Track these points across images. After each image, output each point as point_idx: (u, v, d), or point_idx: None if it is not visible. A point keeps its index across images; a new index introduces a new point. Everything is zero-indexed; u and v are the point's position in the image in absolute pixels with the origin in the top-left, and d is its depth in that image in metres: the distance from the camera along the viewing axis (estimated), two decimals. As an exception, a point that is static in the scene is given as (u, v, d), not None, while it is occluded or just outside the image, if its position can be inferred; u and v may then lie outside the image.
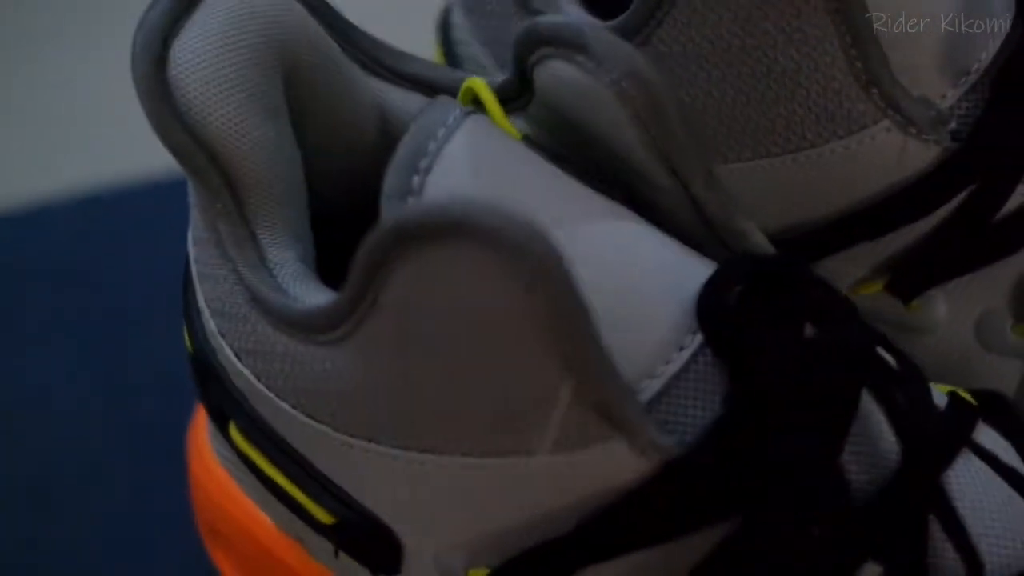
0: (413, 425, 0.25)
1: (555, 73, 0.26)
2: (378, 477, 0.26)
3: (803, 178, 0.30)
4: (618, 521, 0.24)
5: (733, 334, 0.24)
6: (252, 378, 0.28)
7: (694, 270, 0.26)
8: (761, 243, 0.27)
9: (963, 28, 0.29)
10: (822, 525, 0.24)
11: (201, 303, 0.29)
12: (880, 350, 0.27)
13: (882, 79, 0.28)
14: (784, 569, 0.24)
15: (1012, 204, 0.30)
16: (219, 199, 0.27)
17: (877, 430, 0.25)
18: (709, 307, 0.24)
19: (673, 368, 0.25)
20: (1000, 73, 0.29)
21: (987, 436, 0.28)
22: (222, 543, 0.34)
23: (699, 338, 0.25)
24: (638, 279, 0.25)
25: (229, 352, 0.28)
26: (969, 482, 0.26)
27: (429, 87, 0.30)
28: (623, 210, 0.26)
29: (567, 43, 0.25)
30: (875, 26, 0.28)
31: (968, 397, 0.28)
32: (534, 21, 0.26)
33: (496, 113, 0.27)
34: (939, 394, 0.28)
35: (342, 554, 0.28)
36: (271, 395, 0.27)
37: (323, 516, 0.28)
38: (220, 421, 0.30)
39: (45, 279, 0.48)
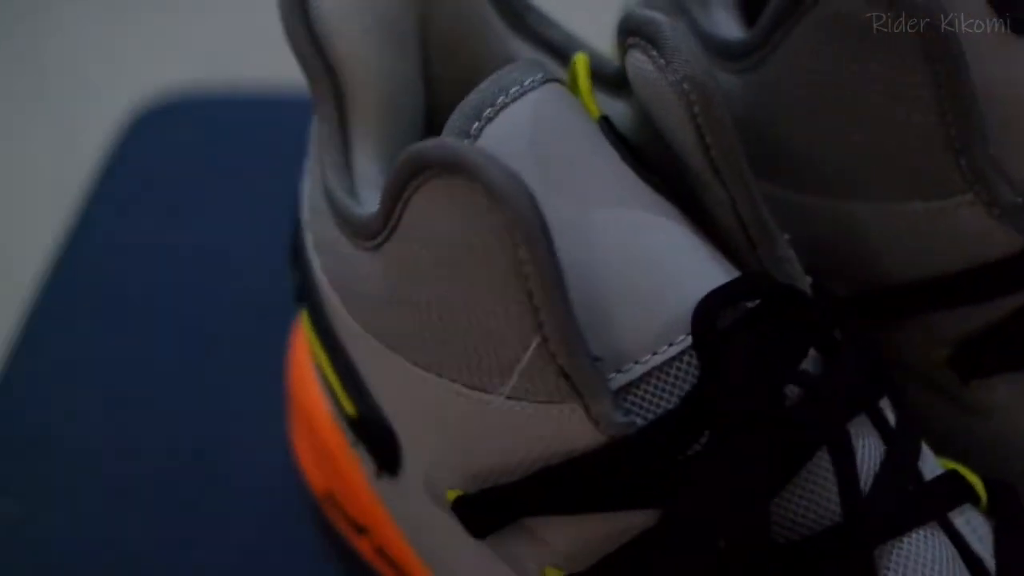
0: (421, 344, 0.27)
1: (635, 64, 0.27)
2: (393, 383, 0.29)
3: (882, 230, 0.30)
4: (560, 481, 0.26)
5: (716, 347, 0.25)
6: (318, 268, 0.31)
7: (713, 276, 0.27)
8: (796, 274, 0.28)
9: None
10: (733, 548, 0.25)
11: (303, 194, 0.32)
12: (883, 403, 0.27)
13: (974, 151, 0.28)
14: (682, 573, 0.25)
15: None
16: (324, 103, 0.30)
17: (823, 486, 0.26)
18: (704, 314, 0.25)
19: (658, 360, 0.26)
20: None
21: (968, 520, 0.27)
22: (298, 422, 0.37)
23: (689, 340, 0.26)
24: (649, 268, 0.26)
25: (309, 240, 0.31)
26: (919, 558, 0.26)
27: (562, 55, 0.32)
28: (665, 206, 0.27)
29: (646, 36, 0.27)
30: (984, 100, 0.28)
31: (973, 479, 0.28)
32: (631, 10, 0.28)
33: (584, 88, 0.29)
34: (934, 466, 0.28)
35: (360, 445, 0.31)
36: (328, 287, 0.30)
37: (348, 406, 0.31)
38: (301, 303, 0.33)
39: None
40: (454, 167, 0.24)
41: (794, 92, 0.30)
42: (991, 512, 0.28)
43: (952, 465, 0.29)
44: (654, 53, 0.27)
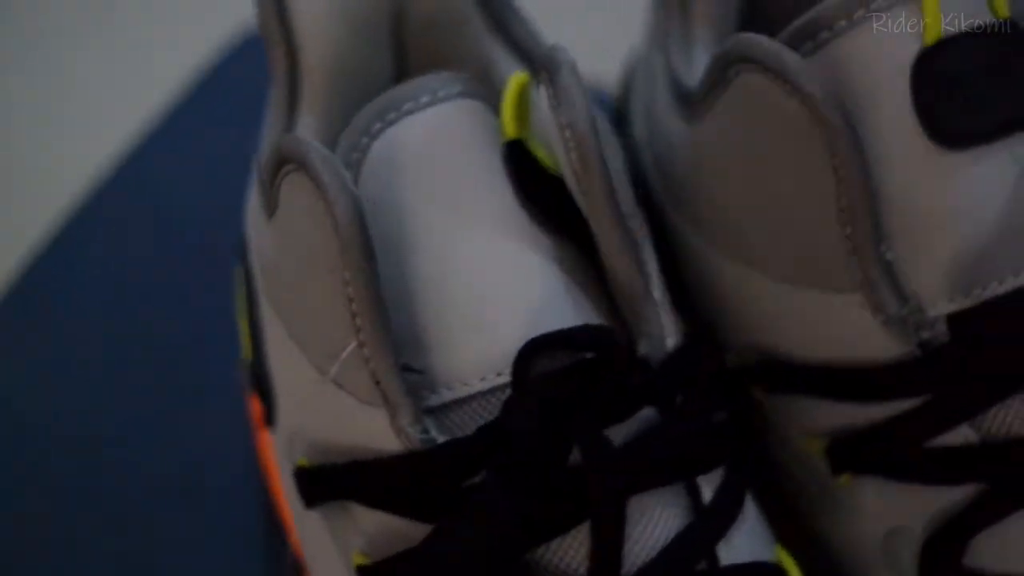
0: (290, 315, 0.29)
1: (537, 98, 0.28)
2: (275, 343, 0.31)
3: (778, 307, 0.30)
4: (366, 476, 0.27)
5: (522, 389, 0.26)
6: (250, 226, 0.32)
7: (561, 319, 0.27)
8: (661, 329, 0.28)
9: (990, 248, 0.28)
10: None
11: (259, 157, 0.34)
12: (708, 477, 0.28)
13: (865, 254, 0.28)
14: None
15: (951, 439, 0.28)
16: (277, 68, 0.31)
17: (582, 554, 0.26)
18: (523, 355, 0.26)
19: (484, 386, 0.27)
20: (1004, 310, 0.28)
21: None
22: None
23: (507, 375, 0.27)
24: (496, 298, 0.27)
25: (251, 201, 0.33)
26: None
27: (532, 64, 0.33)
28: (541, 243, 0.28)
29: (547, 72, 0.27)
30: (893, 206, 0.28)
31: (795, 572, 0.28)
32: (547, 45, 0.28)
33: (507, 108, 0.29)
34: (755, 551, 0.28)
35: (250, 390, 0.33)
36: (252, 255, 0.32)
37: (247, 349, 0.33)
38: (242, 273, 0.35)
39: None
40: (297, 162, 0.26)
41: (721, 154, 0.30)
42: None
43: (784, 557, 0.29)
44: (550, 91, 0.27)
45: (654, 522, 0.27)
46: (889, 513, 0.30)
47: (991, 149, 0.28)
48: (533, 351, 0.26)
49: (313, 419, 0.29)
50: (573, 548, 0.26)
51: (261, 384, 0.32)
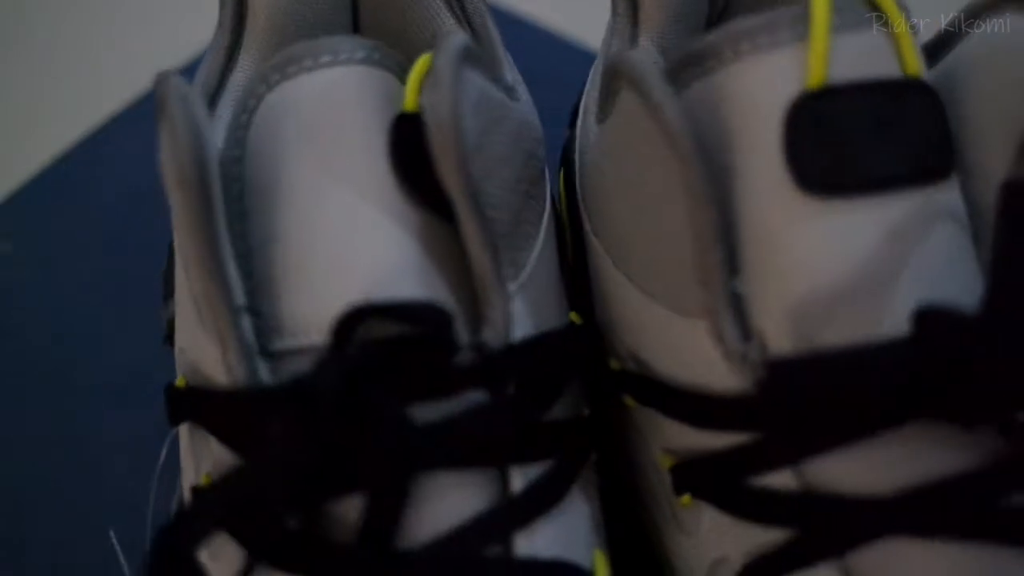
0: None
1: None
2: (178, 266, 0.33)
3: (649, 321, 0.31)
4: (204, 403, 0.29)
5: (339, 349, 0.27)
6: None
7: (408, 290, 0.28)
8: (503, 325, 0.29)
9: (837, 301, 0.28)
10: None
11: None
12: (523, 469, 0.28)
13: (711, 287, 0.28)
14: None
15: (773, 481, 0.29)
16: (223, 12, 0.33)
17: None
18: (345, 319, 0.27)
19: (317, 340, 0.28)
20: (831, 365, 0.28)
21: None
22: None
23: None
24: (345, 260, 0.28)
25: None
26: None
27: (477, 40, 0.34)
28: (405, 216, 0.29)
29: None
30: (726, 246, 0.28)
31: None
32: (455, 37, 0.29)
33: (411, 81, 0.30)
34: (581, 550, 0.29)
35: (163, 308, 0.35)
36: None
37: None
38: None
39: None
40: (161, 100, 0.27)
41: (609, 163, 0.31)
42: None
43: (600, 564, 0.30)
44: (431, 80, 0.28)
45: (448, 503, 0.28)
46: (718, 542, 0.30)
47: (858, 204, 0.28)
48: (358, 316, 0.27)
49: (189, 342, 0.31)
50: (349, 516, 0.27)
51: (167, 298, 0.34)
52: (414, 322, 0.27)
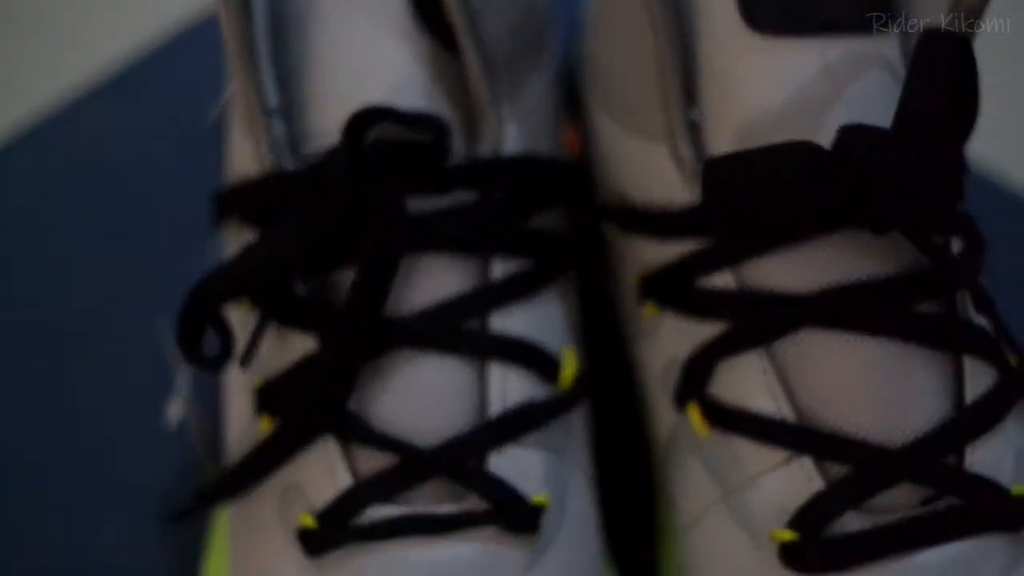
0: None
1: None
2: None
3: (619, 150, 0.35)
4: (237, 194, 0.34)
5: (352, 145, 0.32)
6: None
7: (415, 104, 0.33)
8: (495, 142, 0.34)
9: (777, 127, 0.32)
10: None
11: None
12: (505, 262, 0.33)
13: (671, 113, 0.33)
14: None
15: (718, 281, 0.33)
16: None
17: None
18: (354, 119, 0.32)
19: (332, 142, 0.33)
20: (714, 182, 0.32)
21: (505, 375, 0.33)
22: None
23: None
24: (365, 77, 0.33)
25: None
26: (424, 371, 0.32)
27: None
28: (420, 45, 0.34)
29: None
30: (707, 76, 0.32)
31: (569, 356, 0.34)
32: None
33: None
34: (549, 334, 0.33)
35: None
36: None
37: None
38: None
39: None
40: None
41: (603, 16, 0.36)
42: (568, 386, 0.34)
43: (570, 355, 0.34)
44: None
45: (433, 281, 0.33)
46: (672, 344, 0.35)
47: (801, 44, 0.32)
48: (367, 119, 0.32)
49: (236, 151, 0.36)
50: (344, 284, 0.33)
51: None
52: (415, 127, 0.32)
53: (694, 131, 0.33)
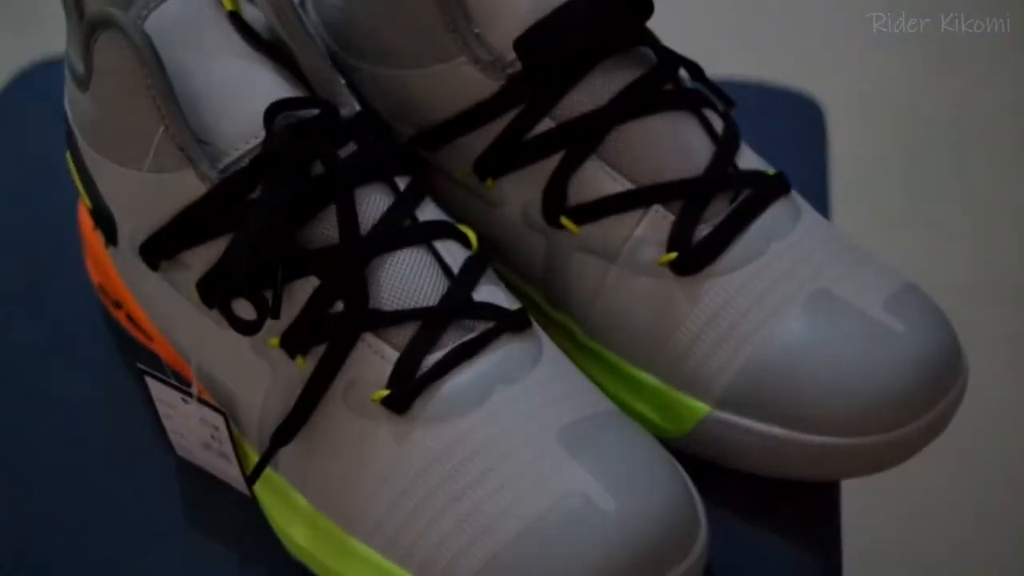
0: (109, 140, 0.45)
1: None
2: (104, 177, 0.46)
3: (408, 89, 0.48)
4: (182, 224, 0.43)
5: (273, 134, 0.43)
6: (70, 116, 0.48)
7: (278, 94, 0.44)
8: (350, 106, 0.45)
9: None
10: (260, 255, 0.42)
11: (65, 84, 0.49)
12: (399, 179, 0.45)
13: (460, 27, 0.46)
14: (229, 279, 0.42)
15: (540, 129, 0.47)
16: (70, 16, 0.47)
17: (331, 223, 0.43)
18: (270, 113, 0.43)
19: (249, 146, 0.43)
20: (528, 46, 0.46)
21: (448, 247, 0.44)
22: (86, 248, 0.55)
23: (263, 134, 0.43)
24: (247, 93, 0.44)
25: (66, 101, 0.49)
26: (404, 261, 0.43)
27: None
28: (263, 60, 0.45)
29: None
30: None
31: (468, 232, 0.46)
32: None
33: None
34: (436, 217, 0.45)
35: (97, 228, 0.49)
36: (75, 129, 0.48)
37: (87, 201, 0.48)
38: (67, 148, 0.50)
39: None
40: (109, 25, 0.42)
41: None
42: (475, 253, 0.46)
43: (471, 232, 0.46)
44: None
45: (374, 202, 0.44)
46: (520, 194, 0.48)
47: None
48: (279, 107, 0.43)
49: (141, 210, 0.45)
50: (324, 226, 0.43)
51: (101, 218, 0.48)
52: (314, 106, 0.43)
53: (479, 39, 0.46)
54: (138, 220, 0.45)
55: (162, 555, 0.48)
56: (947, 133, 1.14)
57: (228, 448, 0.46)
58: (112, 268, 0.51)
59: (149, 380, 0.46)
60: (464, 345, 0.43)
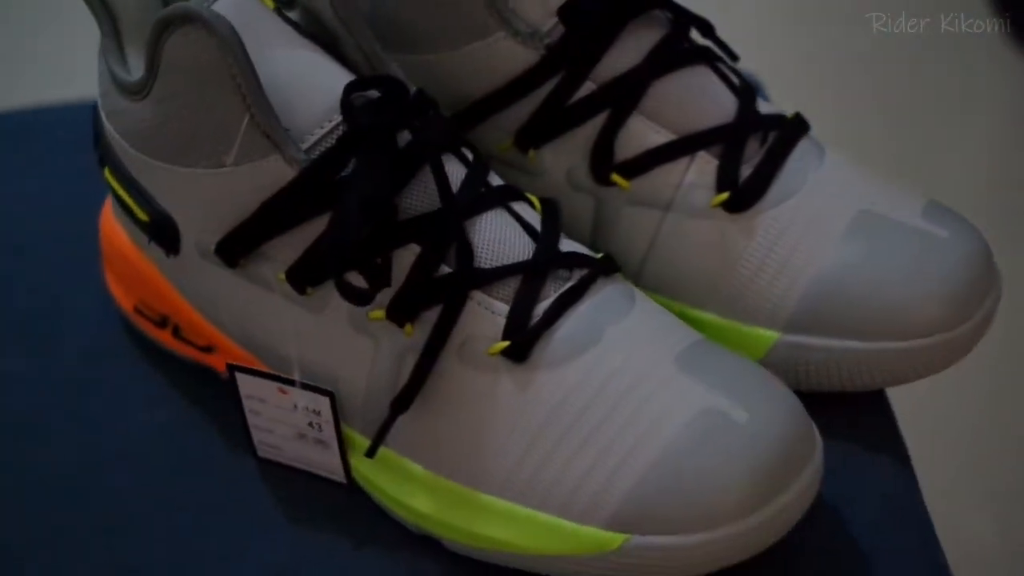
0: (173, 148, 0.45)
1: None
2: (166, 185, 0.47)
3: (449, 72, 0.50)
4: (272, 210, 0.44)
5: (355, 113, 0.44)
6: (112, 129, 0.48)
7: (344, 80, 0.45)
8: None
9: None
10: (369, 225, 0.43)
11: (98, 95, 0.49)
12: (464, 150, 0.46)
13: (498, 3, 0.48)
14: (345, 250, 0.43)
15: (582, 93, 0.49)
16: (103, 24, 0.47)
17: (430, 187, 0.44)
18: (345, 94, 0.44)
19: (326, 128, 0.44)
20: (572, 12, 0.49)
21: (523, 208, 0.46)
22: (110, 263, 0.54)
23: (339, 117, 0.44)
24: (314, 79, 0.45)
25: (102, 115, 0.48)
26: (491, 223, 0.45)
27: None
28: (317, 49, 0.46)
29: None
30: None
31: (532, 196, 0.47)
32: None
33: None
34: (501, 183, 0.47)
35: (153, 243, 0.48)
36: (120, 138, 0.48)
37: (141, 215, 0.48)
38: (103, 166, 0.50)
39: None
40: (190, 19, 0.42)
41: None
42: (543, 210, 0.47)
43: (530, 195, 0.48)
44: None
45: (455, 171, 0.46)
46: (562, 161, 0.50)
47: None
48: (354, 87, 0.44)
49: (215, 210, 0.45)
50: (415, 195, 0.44)
51: (160, 229, 0.48)
52: (385, 85, 0.45)
53: (515, 13, 0.48)
54: (211, 221, 0.46)
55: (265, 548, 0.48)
56: (947, 133, 1.16)
57: (330, 431, 0.46)
58: (161, 282, 0.51)
59: (239, 376, 0.46)
60: (567, 292, 0.44)
